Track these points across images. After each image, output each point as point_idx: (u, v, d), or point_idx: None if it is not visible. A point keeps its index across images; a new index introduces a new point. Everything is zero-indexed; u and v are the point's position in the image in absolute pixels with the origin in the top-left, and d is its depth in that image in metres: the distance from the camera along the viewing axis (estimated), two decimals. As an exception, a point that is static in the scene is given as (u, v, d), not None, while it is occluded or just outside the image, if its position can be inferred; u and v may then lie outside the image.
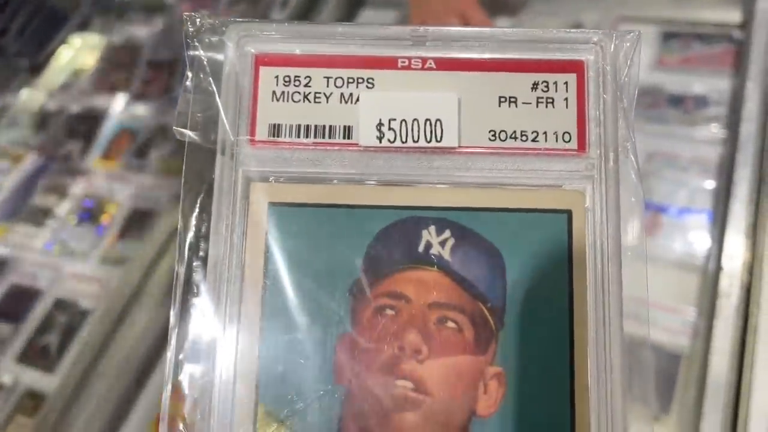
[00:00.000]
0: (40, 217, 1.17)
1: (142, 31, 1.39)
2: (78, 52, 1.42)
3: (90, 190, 1.19)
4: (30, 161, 1.26)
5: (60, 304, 1.04)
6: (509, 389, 0.27)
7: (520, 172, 0.29)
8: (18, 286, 1.10)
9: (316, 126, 0.29)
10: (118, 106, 1.30)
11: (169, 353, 0.27)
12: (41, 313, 1.04)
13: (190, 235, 0.29)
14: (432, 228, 0.28)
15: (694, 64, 1.08)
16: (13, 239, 1.16)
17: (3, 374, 0.99)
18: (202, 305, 0.28)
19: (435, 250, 0.28)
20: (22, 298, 1.07)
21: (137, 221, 1.09)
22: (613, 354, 0.27)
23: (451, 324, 0.27)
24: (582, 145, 0.29)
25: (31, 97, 1.39)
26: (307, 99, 0.29)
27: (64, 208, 1.17)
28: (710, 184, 0.94)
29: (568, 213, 0.29)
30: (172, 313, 0.28)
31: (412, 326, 0.27)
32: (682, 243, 0.89)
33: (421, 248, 0.28)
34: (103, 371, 0.92)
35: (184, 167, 0.29)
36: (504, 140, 0.29)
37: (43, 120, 1.34)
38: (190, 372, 0.27)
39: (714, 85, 1.04)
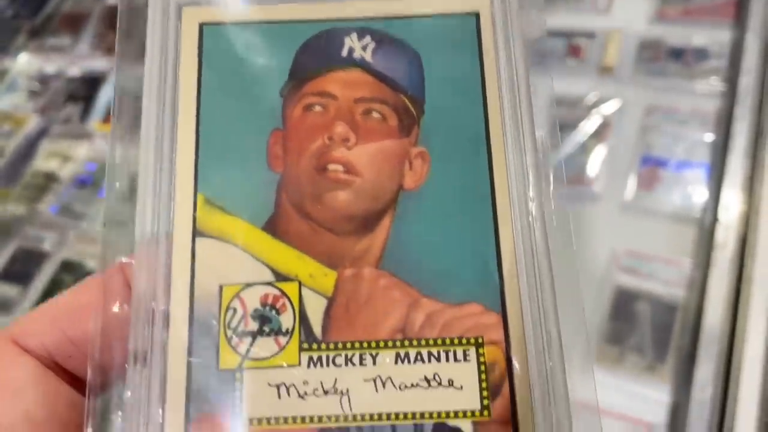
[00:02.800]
0: (44, 180, 1.18)
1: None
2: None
3: (92, 154, 1.20)
4: (31, 125, 1.27)
5: (67, 266, 1.06)
6: (433, 165, 0.29)
7: None
8: (24, 249, 1.11)
9: None
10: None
11: (110, 161, 0.29)
12: (48, 275, 1.06)
13: (127, 72, 0.31)
14: (354, 35, 0.31)
15: (694, 15, 1.07)
16: (17, 203, 1.17)
17: (13, 335, 1.01)
18: (138, 123, 0.30)
19: (357, 54, 0.31)
20: (28, 261, 1.09)
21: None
22: (525, 126, 0.30)
23: (375, 114, 0.30)
24: None
25: (29, 60, 1.39)
26: None
27: (67, 171, 1.18)
28: (709, 137, 0.94)
29: (476, 15, 0.31)
30: (111, 136, 0.30)
31: (339, 119, 0.30)
32: (680, 196, 0.90)
33: (344, 53, 0.31)
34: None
35: (119, 8, 0.31)
36: None
37: (42, 84, 1.34)
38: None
39: (714, 37, 1.03)
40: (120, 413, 0.26)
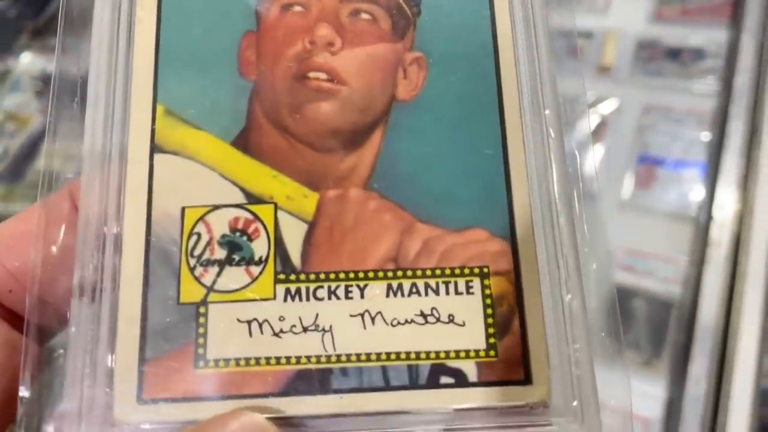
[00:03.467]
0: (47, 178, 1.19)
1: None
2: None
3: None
4: (35, 124, 1.28)
5: (71, 264, 1.06)
6: (431, 73, 0.26)
7: None
8: (28, 247, 1.12)
9: None
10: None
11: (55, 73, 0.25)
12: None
13: None
14: None
15: (691, 16, 1.08)
16: (21, 201, 1.18)
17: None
18: (89, 24, 0.26)
19: None
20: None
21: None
22: (541, 34, 0.26)
23: (365, 15, 0.26)
24: None
25: (32, 60, 1.39)
26: None
27: (70, 170, 1.19)
28: (705, 136, 0.95)
29: None
30: (59, 28, 0.26)
31: (323, 20, 0.26)
32: (677, 194, 0.91)
33: None
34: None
35: None
36: None
37: (45, 83, 1.34)
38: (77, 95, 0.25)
39: (711, 37, 1.04)
40: (63, 353, 0.22)
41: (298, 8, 0.26)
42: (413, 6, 0.26)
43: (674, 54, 1.05)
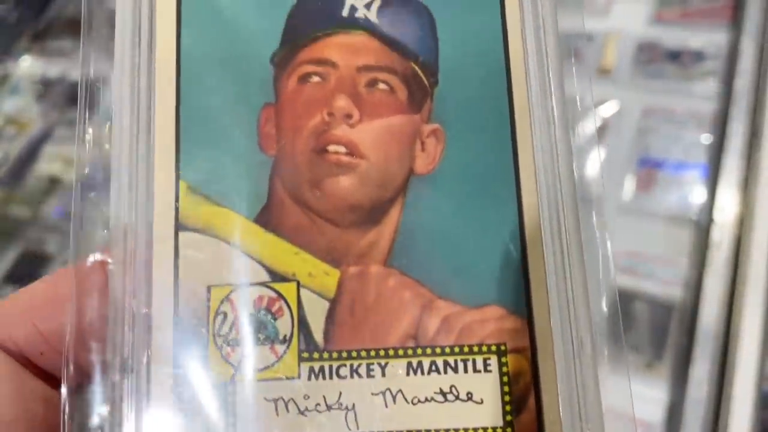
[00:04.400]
0: (48, 183, 1.19)
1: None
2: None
3: (95, 156, 1.21)
4: (35, 128, 1.28)
5: (70, 268, 1.07)
6: (448, 145, 0.26)
7: None
8: (28, 251, 1.12)
9: None
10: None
11: (80, 98, 0.26)
12: (52, 277, 1.07)
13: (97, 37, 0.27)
14: None
15: (691, 18, 1.08)
16: (21, 206, 1.18)
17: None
18: (108, 94, 0.26)
19: (360, 12, 0.27)
20: (32, 264, 1.10)
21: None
22: (556, 103, 0.26)
23: (382, 86, 0.26)
24: None
25: (32, 64, 1.40)
26: None
27: (70, 175, 1.19)
28: (705, 138, 0.95)
29: None
30: (79, 100, 0.26)
31: (340, 91, 0.26)
32: (677, 197, 0.91)
33: (345, 12, 0.27)
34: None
35: None
36: None
37: (45, 87, 1.35)
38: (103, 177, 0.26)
39: (711, 39, 1.04)
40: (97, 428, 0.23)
41: (315, 78, 0.26)
42: (430, 76, 0.26)
43: (674, 56, 1.05)
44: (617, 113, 1.02)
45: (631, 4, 1.12)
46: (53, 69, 1.37)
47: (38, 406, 0.24)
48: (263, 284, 0.25)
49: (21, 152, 1.25)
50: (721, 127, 0.92)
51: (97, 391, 0.23)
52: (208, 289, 0.24)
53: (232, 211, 0.25)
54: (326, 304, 0.24)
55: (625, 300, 0.84)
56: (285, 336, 0.24)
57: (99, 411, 0.23)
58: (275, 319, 0.24)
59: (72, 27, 1.42)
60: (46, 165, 1.22)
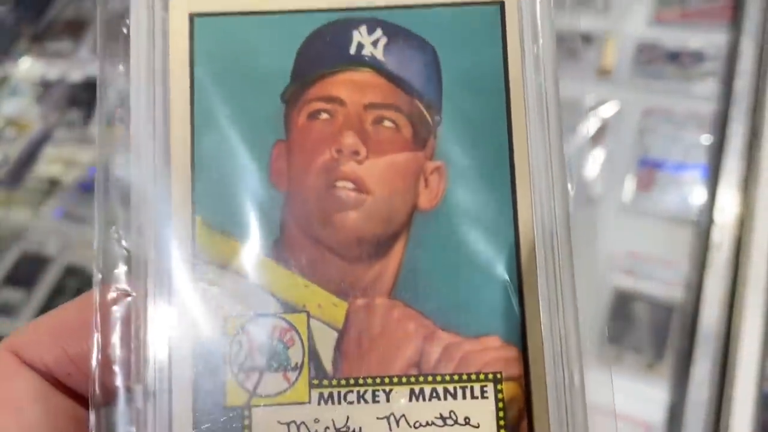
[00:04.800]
0: (47, 185, 1.19)
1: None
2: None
3: (95, 158, 1.21)
4: (35, 130, 1.28)
5: (71, 271, 1.07)
6: (450, 182, 0.27)
7: None
8: (28, 253, 1.12)
9: None
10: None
11: (98, 183, 0.27)
12: (52, 279, 1.07)
13: (110, 71, 0.28)
14: (363, 28, 0.28)
15: (691, 18, 1.08)
16: (21, 207, 1.18)
17: (18, 338, 1.02)
18: (127, 132, 0.27)
19: (367, 50, 0.28)
20: (32, 266, 1.10)
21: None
22: (553, 144, 0.27)
23: (388, 123, 0.27)
24: None
25: (31, 66, 1.40)
26: None
27: (70, 176, 1.19)
28: (705, 139, 0.95)
29: (501, 4, 0.28)
30: (98, 139, 0.27)
31: (348, 128, 0.27)
32: (677, 198, 0.91)
33: (352, 50, 0.28)
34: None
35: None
36: None
37: (44, 89, 1.35)
38: (124, 212, 0.27)
39: (711, 40, 1.04)
40: None
41: (324, 115, 0.27)
42: (434, 114, 0.27)
43: (674, 57, 1.05)
44: (617, 114, 1.02)
45: (630, 5, 1.12)
46: (53, 70, 1.38)
47: (67, 424, 0.26)
48: (276, 315, 0.26)
49: (21, 154, 1.25)
50: (721, 127, 0.93)
51: (122, 412, 0.25)
52: (225, 319, 0.26)
53: (246, 245, 0.26)
54: (335, 334, 0.26)
55: (625, 301, 0.84)
56: (296, 364, 0.26)
57: (126, 431, 0.25)
58: (287, 348, 0.26)
59: (71, 28, 1.42)
60: (46, 166, 1.22)
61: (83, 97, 1.30)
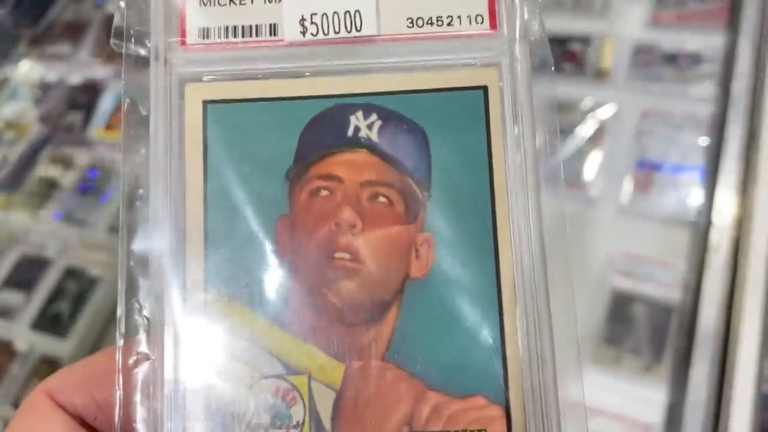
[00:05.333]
0: (47, 187, 1.19)
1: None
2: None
3: (94, 161, 1.21)
4: (34, 133, 1.28)
5: (70, 273, 1.07)
6: (439, 252, 0.29)
7: (438, 54, 0.31)
8: (27, 256, 1.12)
9: (243, 26, 0.31)
10: (118, 76, 1.31)
11: (121, 256, 0.29)
12: (52, 281, 1.07)
13: (133, 146, 0.30)
14: (359, 113, 0.30)
15: (688, 21, 1.08)
16: (20, 210, 1.18)
17: (18, 341, 1.02)
18: (146, 209, 0.29)
19: (363, 133, 0.30)
20: (32, 268, 1.10)
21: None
22: (532, 219, 0.29)
23: (382, 199, 0.29)
24: (494, 25, 0.31)
25: (30, 68, 1.40)
26: (233, 2, 0.31)
27: (69, 179, 1.19)
28: (703, 141, 0.95)
29: (484, 89, 0.30)
30: (121, 215, 0.29)
31: (346, 204, 0.29)
32: (675, 199, 0.91)
33: (350, 132, 0.30)
34: (114, 335, 0.94)
35: (123, 80, 0.30)
36: (421, 26, 0.31)
37: (43, 91, 1.35)
38: (144, 282, 0.29)
39: (708, 42, 1.05)
40: None
41: (324, 192, 0.30)
42: (424, 190, 0.30)
43: (671, 59, 1.05)
44: (615, 116, 1.02)
45: (627, 7, 1.12)
46: (52, 73, 1.38)
47: None
48: (280, 377, 0.28)
49: (20, 156, 1.25)
50: (718, 129, 0.93)
51: None
52: (234, 381, 0.28)
53: (254, 312, 0.29)
54: (333, 395, 0.28)
55: (623, 302, 0.84)
56: (298, 422, 0.28)
57: None
58: (290, 408, 0.28)
59: (70, 31, 1.43)
60: (46, 169, 1.22)
61: (82, 100, 1.30)
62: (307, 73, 0.31)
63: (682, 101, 1.00)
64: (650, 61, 1.06)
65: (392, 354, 0.28)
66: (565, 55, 1.09)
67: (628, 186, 0.94)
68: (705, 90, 1.00)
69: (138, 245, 0.29)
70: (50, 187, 1.19)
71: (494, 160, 0.30)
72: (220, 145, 0.30)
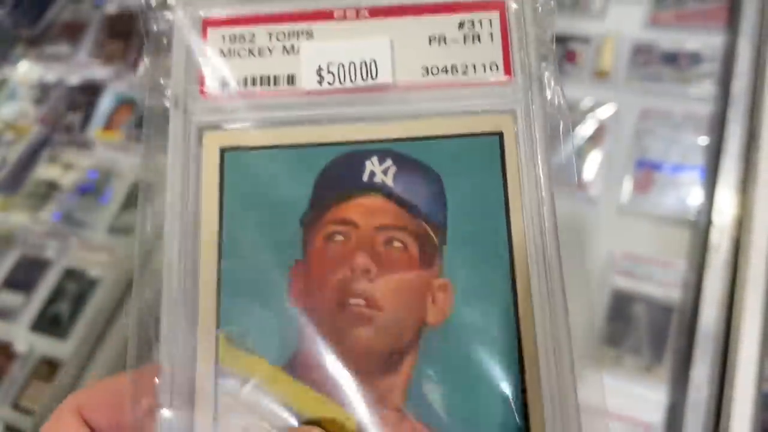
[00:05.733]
0: (46, 188, 1.19)
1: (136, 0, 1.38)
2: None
3: (93, 162, 1.21)
4: (33, 134, 1.28)
5: (70, 274, 1.07)
6: (456, 298, 0.28)
7: (453, 102, 0.31)
8: (27, 257, 1.12)
9: (261, 76, 0.31)
10: (117, 76, 1.31)
11: (134, 296, 0.29)
12: (52, 282, 1.07)
13: (152, 191, 0.31)
14: (374, 158, 0.30)
15: (687, 20, 1.08)
16: (19, 211, 1.18)
17: (18, 342, 1.02)
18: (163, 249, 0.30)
19: (378, 178, 0.30)
20: (31, 269, 1.10)
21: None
22: (550, 260, 0.29)
23: (397, 244, 0.29)
24: (509, 73, 0.31)
25: (29, 69, 1.39)
26: (252, 54, 0.31)
27: (69, 180, 1.19)
28: (703, 140, 0.95)
29: (500, 135, 0.30)
30: (135, 254, 0.30)
31: (361, 249, 0.29)
32: (675, 199, 0.91)
33: (365, 177, 0.30)
34: (114, 336, 0.94)
35: (143, 130, 0.31)
36: (436, 74, 0.31)
37: (42, 92, 1.35)
38: (156, 326, 0.29)
39: (707, 41, 1.04)
40: None
41: (339, 237, 0.29)
42: (440, 235, 0.29)
43: (671, 58, 1.05)
44: (614, 115, 1.02)
45: (626, 7, 1.12)
46: (51, 74, 1.38)
47: None
48: (290, 428, 0.28)
49: (19, 157, 1.25)
50: (718, 129, 0.93)
51: None
52: (244, 429, 0.27)
53: (265, 360, 0.28)
54: None
55: (623, 302, 0.84)
56: None
57: None
58: None
59: (69, 31, 1.42)
60: (45, 170, 1.22)
61: (81, 101, 1.30)
62: (324, 121, 0.31)
63: (682, 101, 1.00)
64: (650, 61, 1.06)
65: (408, 404, 0.28)
66: (565, 55, 1.09)
67: (627, 186, 0.94)
68: (705, 90, 1.00)
69: (149, 292, 0.29)
70: (49, 188, 1.19)
71: (511, 205, 0.29)
72: (237, 191, 0.30)
